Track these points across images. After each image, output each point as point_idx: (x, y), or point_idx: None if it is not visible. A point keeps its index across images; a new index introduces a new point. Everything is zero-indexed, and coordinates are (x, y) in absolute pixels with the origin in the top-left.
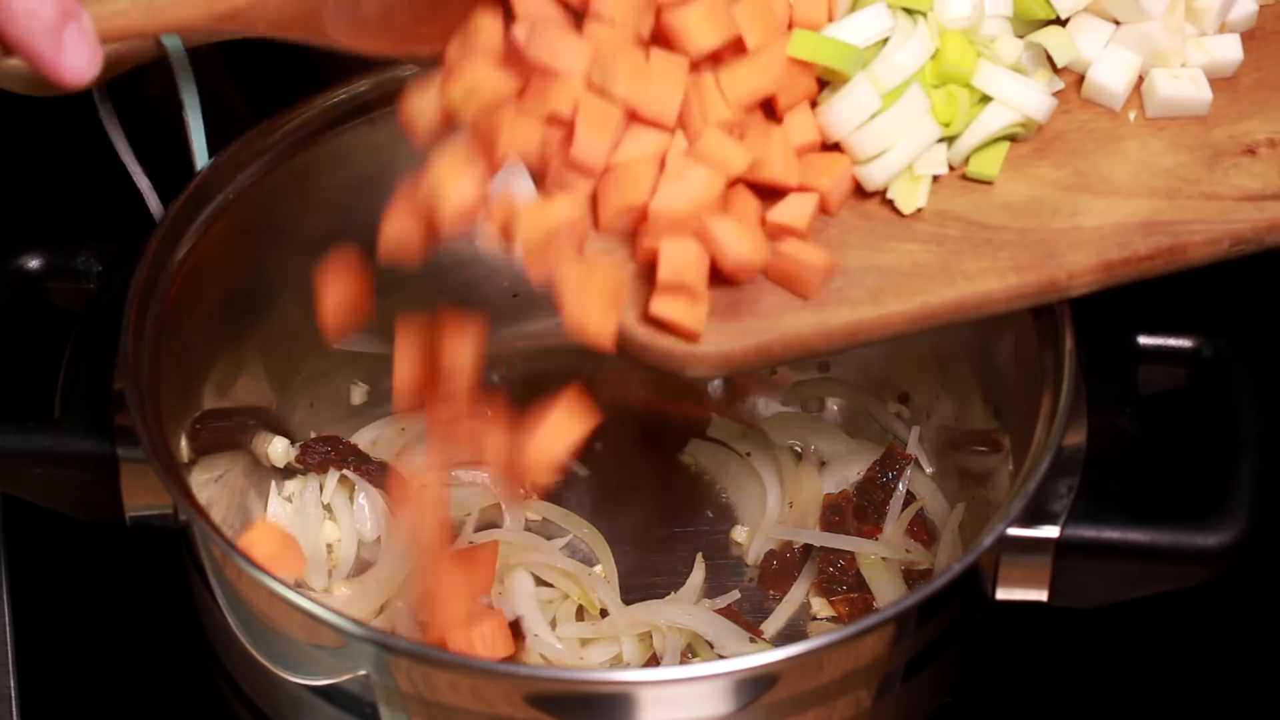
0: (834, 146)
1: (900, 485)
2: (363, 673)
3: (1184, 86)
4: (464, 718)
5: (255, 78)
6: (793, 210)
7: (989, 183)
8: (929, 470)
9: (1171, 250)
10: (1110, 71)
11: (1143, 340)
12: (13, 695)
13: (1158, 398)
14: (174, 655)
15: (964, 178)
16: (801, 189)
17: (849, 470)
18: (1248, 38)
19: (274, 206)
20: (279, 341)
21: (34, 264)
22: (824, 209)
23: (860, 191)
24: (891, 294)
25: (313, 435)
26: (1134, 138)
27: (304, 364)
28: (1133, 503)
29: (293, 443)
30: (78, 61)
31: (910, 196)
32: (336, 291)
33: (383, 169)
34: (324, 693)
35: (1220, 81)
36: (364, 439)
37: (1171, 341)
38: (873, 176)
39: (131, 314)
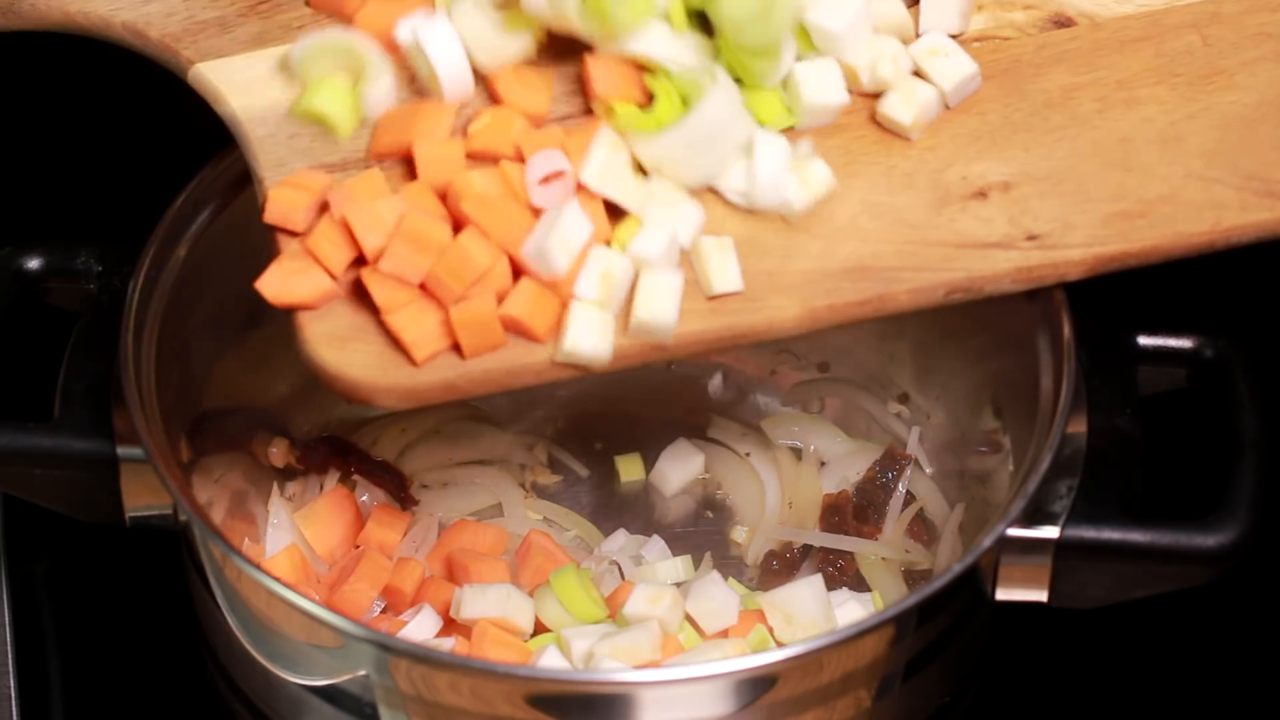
0: None
1: (900, 485)
2: (362, 673)
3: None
4: (464, 718)
5: None
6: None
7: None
8: (929, 470)
9: (881, 299)
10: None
11: (1143, 340)
12: (13, 695)
13: (1158, 398)
14: (174, 655)
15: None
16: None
17: (849, 470)
18: (1001, 72)
19: None
20: (279, 341)
21: (34, 264)
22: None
23: None
24: None
25: (313, 435)
26: (863, 174)
27: (304, 364)
28: (1133, 503)
29: (293, 443)
30: None
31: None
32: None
33: None
34: (324, 693)
35: (968, 117)
36: (364, 439)
37: (1171, 341)
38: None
39: (131, 314)
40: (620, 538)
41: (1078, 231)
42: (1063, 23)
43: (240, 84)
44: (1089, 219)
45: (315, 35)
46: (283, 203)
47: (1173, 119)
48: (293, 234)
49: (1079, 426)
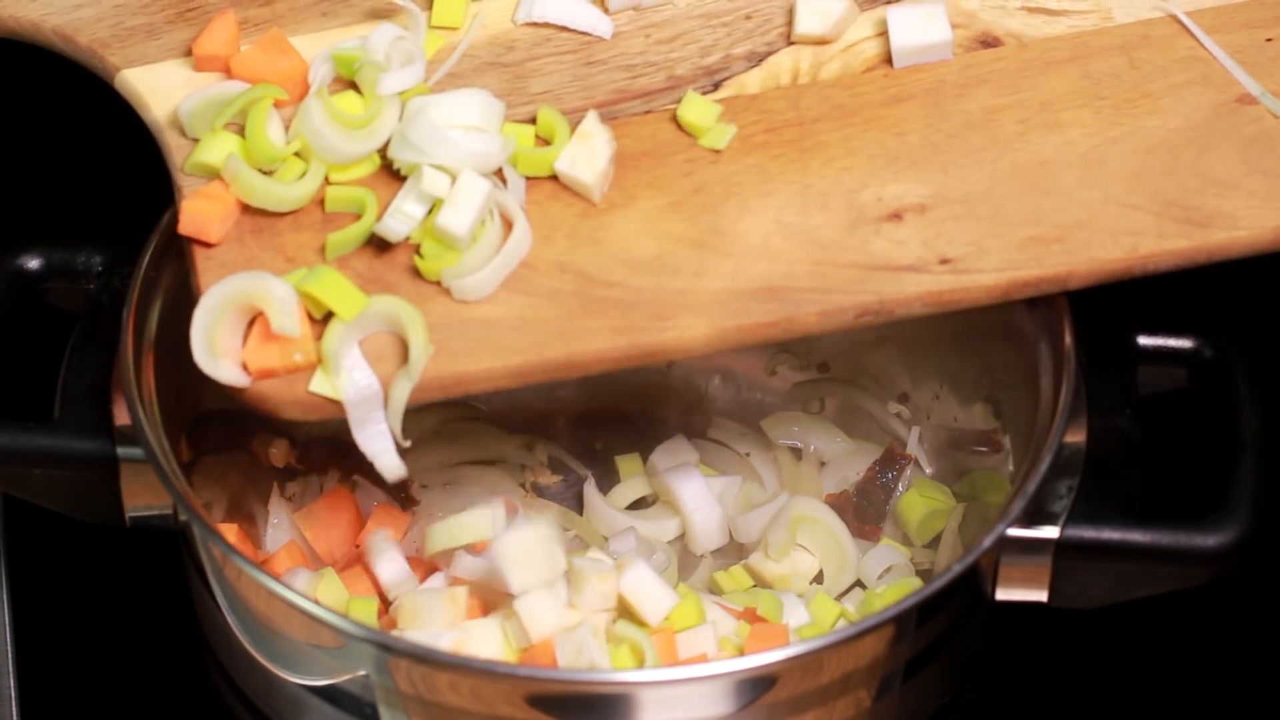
0: None
1: (900, 485)
2: (362, 673)
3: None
4: (464, 718)
5: None
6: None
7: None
8: (929, 470)
9: (790, 320)
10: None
11: (1143, 340)
12: (13, 695)
13: (1158, 398)
14: (174, 655)
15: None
16: None
17: (849, 470)
18: (924, 92)
19: None
20: None
21: (34, 264)
22: None
23: None
24: (491, 349)
25: (313, 435)
26: (778, 194)
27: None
28: (1133, 503)
29: (293, 443)
30: None
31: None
32: None
33: None
34: (324, 693)
35: (887, 136)
36: None
37: (1171, 341)
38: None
39: (131, 314)
40: (629, 539)
41: (991, 256)
42: (989, 43)
43: (164, 91)
44: (1003, 243)
45: (198, 92)
46: (196, 214)
47: (1094, 143)
48: (207, 245)
49: (1079, 426)
